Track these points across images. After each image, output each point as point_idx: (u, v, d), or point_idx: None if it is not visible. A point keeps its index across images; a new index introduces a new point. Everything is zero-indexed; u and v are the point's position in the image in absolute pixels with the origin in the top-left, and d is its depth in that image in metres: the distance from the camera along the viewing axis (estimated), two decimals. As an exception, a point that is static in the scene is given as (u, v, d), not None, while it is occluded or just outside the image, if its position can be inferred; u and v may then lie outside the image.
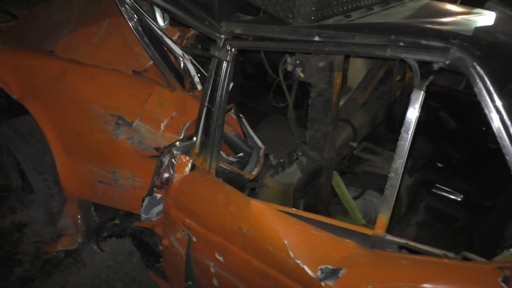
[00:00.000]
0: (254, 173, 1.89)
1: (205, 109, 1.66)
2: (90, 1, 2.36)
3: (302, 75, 1.67)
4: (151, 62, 1.99)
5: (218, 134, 1.67)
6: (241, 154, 1.95)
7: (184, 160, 1.68)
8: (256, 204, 1.42)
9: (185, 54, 1.92)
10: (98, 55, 2.07)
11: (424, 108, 1.24)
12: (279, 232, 1.34)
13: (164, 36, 1.91)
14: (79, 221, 2.18)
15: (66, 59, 2.07)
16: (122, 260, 2.32)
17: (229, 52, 1.57)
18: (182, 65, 1.92)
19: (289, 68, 1.69)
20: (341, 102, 2.11)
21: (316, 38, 1.38)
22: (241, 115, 2.02)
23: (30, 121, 2.14)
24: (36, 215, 2.28)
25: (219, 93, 1.62)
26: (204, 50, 2.16)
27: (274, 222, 1.37)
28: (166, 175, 1.75)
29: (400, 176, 1.25)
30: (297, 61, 1.67)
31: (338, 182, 1.98)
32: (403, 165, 1.25)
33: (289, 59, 1.69)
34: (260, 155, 1.99)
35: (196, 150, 1.72)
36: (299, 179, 1.74)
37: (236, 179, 1.85)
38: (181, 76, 1.97)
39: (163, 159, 1.84)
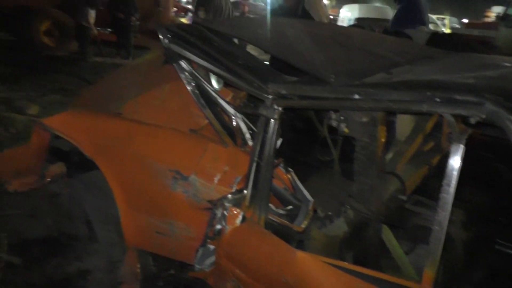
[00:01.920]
0: (303, 225, 1.94)
1: (254, 164, 1.77)
2: (153, 68, 2.64)
3: (346, 130, 1.75)
4: (207, 121, 2.16)
5: (267, 187, 1.76)
6: (290, 207, 2.01)
7: (235, 212, 1.78)
8: (302, 256, 1.47)
9: (237, 113, 2.07)
10: (159, 116, 2.29)
11: (477, 160, 1.26)
12: (324, 284, 1.37)
13: (218, 98, 2.10)
14: (138, 270, 2.30)
15: (131, 120, 2.30)
16: (177, 311, 2.39)
17: (276, 110, 1.69)
18: (234, 123, 2.08)
19: (334, 123, 1.78)
20: (389, 155, 2.15)
21: (356, 96, 1.47)
22: (290, 169, 2.11)
23: (98, 176, 2.36)
24: (99, 264, 2.45)
25: (267, 149, 1.73)
26: (255, 108, 2.31)
27: (320, 274, 1.40)
28: (218, 226, 1.85)
29: (445, 229, 1.26)
30: (341, 117, 1.76)
31: (388, 236, 1.96)
32: (447, 218, 1.25)
33: (333, 115, 1.78)
34: (309, 208, 2.05)
35: (247, 202, 1.81)
36: (346, 232, 1.77)
37: (284, 231, 1.91)
38: (234, 134, 2.12)
39: (216, 211, 1.96)
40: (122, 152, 2.25)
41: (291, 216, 2.02)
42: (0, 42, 9.64)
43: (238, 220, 1.77)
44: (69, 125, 2.36)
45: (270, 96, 1.70)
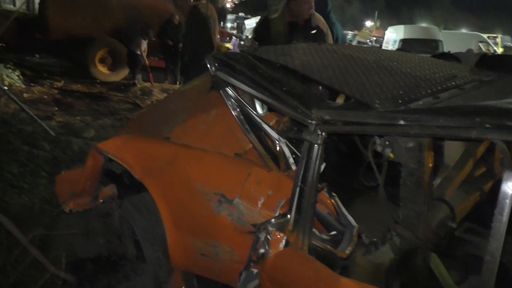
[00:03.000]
0: (347, 251, 1.92)
1: (298, 189, 1.79)
2: (200, 94, 2.75)
3: (391, 155, 1.73)
4: (251, 145, 2.21)
5: (311, 212, 1.76)
6: (333, 232, 2.00)
7: (278, 236, 1.79)
8: (346, 283, 1.45)
9: (280, 138, 2.11)
10: (205, 140, 2.36)
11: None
12: (369, 312, 1.34)
13: (262, 123, 2.15)
14: (183, 291, 2.35)
15: (179, 144, 2.39)
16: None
17: (320, 136, 1.71)
18: (278, 147, 2.11)
19: (379, 149, 1.77)
20: (437, 181, 2.09)
21: (401, 122, 1.46)
22: (333, 193, 2.10)
23: (147, 198, 2.46)
24: (147, 284, 2.52)
25: (311, 173, 1.74)
26: (298, 132, 2.34)
27: (365, 302, 1.38)
28: (262, 250, 1.87)
29: (498, 259, 1.21)
30: (387, 142, 1.74)
31: (437, 264, 1.89)
32: (500, 248, 1.21)
33: (378, 140, 1.77)
34: (353, 233, 2.02)
35: (290, 227, 1.82)
36: (391, 259, 1.73)
37: (328, 256, 1.89)
38: (277, 158, 2.15)
39: (260, 235, 1.97)
40: (169, 175, 2.33)
41: (335, 242, 2.00)
42: (59, 69, 10.33)
43: (282, 245, 1.77)
44: (121, 149, 2.49)
45: (313, 122, 1.72)
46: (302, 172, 1.77)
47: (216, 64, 2.24)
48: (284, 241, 1.78)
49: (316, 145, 1.72)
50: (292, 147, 2.12)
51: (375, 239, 1.87)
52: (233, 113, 2.18)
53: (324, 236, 1.96)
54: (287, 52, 2.35)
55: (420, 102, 1.65)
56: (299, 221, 1.79)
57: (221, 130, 2.38)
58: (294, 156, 2.14)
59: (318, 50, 2.48)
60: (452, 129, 1.33)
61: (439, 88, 1.82)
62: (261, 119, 2.15)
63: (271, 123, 2.21)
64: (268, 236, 1.81)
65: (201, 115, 2.53)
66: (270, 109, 2.27)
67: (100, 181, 2.79)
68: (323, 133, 1.71)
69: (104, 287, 2.59)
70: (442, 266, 1.90)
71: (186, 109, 2.77)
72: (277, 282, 1.73)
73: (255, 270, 2.02)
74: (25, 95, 7.43)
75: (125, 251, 2.79)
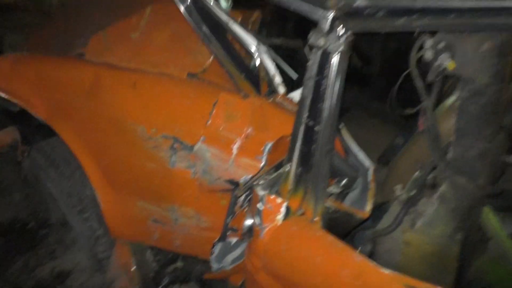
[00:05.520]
0: (368, 209, 1.33)
1: (302, 128, 1.10)
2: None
3: (451, 64, 1.07)
4: (211, 58, 1.45)
5: (326, 164, 1.11)
6: (344, 180, 1.38)
7: (273, 202, 1.14)
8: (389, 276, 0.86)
9: (260, 45, 1.36)
10: (140, 55, 1.55)
11: None
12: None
13: (230, 21, 1.36)
14: (133, 268, 1.71)
15: (99, 63, 1.56)
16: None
17: (342, 37, 0.99)
18: (257, 61, 1.37)
19: (429, 55, 1.09)
20: None
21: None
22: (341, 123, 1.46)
23: (60, 145, 1.67)
24: (81, 261, 1.84)
25: (326, 103, 1.05)
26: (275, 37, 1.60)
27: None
28: (247, 222, 1.22)
29: None
30: (442, 44, 1.06)
31: (489, 217, 1.36)
32: None
33: (429, 42, 1.08)
34: (370, 179, 1.42)
35: (289, 185, 1.17)
36: (455, 228, 1.15)
37: (342, 219, 1.30)
38: (255, 76, 1.42)
39: (238, 194, 1.33)
40: (89, 112, 1.55)
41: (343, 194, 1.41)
42: None
43: (280, 216, 1.13)
44: (10, 77, 1.62)
45: (330, 14, 0.99)
46: (309, 102, 1.07)
47: None
48: (283, 210, 1.13)
49: (335, 55, 1.01)
50: (278, 58, 1.40)
51: (414, 193, 1.26)
52: (181, 8, 1.37)
53: (333, 189, 1.34)
54: None
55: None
56: (306, 179, 1.14)
57: (163, 37, 1.57)
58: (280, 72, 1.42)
59: None
60: None
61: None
62: (227, 16, 1.36)
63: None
64: (259, 205, 1.15)
65: (130, 17, 1.66)
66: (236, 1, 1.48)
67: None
68: (349, 33, 0.99)
69: (19, 270, 1.86)
70: (495, 219, 1.37)
71: (108, 9, 1.88)
72: (279, 273, 1.13)
73: (233, 240, 1.43)
74: None
75: (47, 214, 2.04)
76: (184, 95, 1.44)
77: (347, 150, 1.47)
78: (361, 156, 1.47)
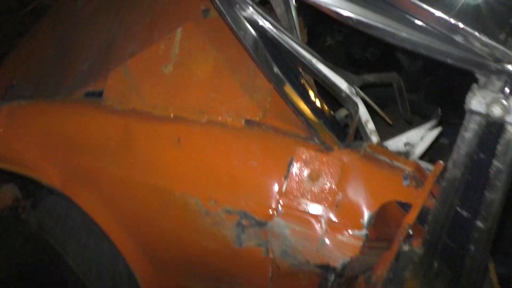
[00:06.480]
0: None
1: (451, 214, 0.79)
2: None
3: None
4: (269, 93, 1.11)
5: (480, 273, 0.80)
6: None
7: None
8: None
9: (352, 87, 1.02)
10: (179, 97, 1.19)
11: None
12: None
13: (305, 53, 1.02)
14: None
15: (126, 112, 1.20)
16: None
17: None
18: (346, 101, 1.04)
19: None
20: None
21: None
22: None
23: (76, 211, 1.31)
24: None
25: (494, 194, 0.73)
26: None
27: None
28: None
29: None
30: None
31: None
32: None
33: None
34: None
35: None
36: None
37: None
38: (336, 122, 1.09)
39: (329, 278, 1.03)
40: (118, 177, 1.19)
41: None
42: None
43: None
44: (4, 137, 1.24)
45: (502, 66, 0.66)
46: (464, 185, 0.75)
47: None
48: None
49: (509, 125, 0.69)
50: (371, 102, 1.06)
51: None
52: (239, 35, 1.02)
53: None
54: None
55: None
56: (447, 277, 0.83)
57: (207, 70, 1.21)
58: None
59: None
60: None
61: None
62: (302, 48, 1.01)
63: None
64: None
65: (158, 42, 1.28)
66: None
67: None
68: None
69: None
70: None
71: (116, 31, 1.50)
72: None
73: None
74: None
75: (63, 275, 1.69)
76: (247, 153, 1.09)
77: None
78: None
